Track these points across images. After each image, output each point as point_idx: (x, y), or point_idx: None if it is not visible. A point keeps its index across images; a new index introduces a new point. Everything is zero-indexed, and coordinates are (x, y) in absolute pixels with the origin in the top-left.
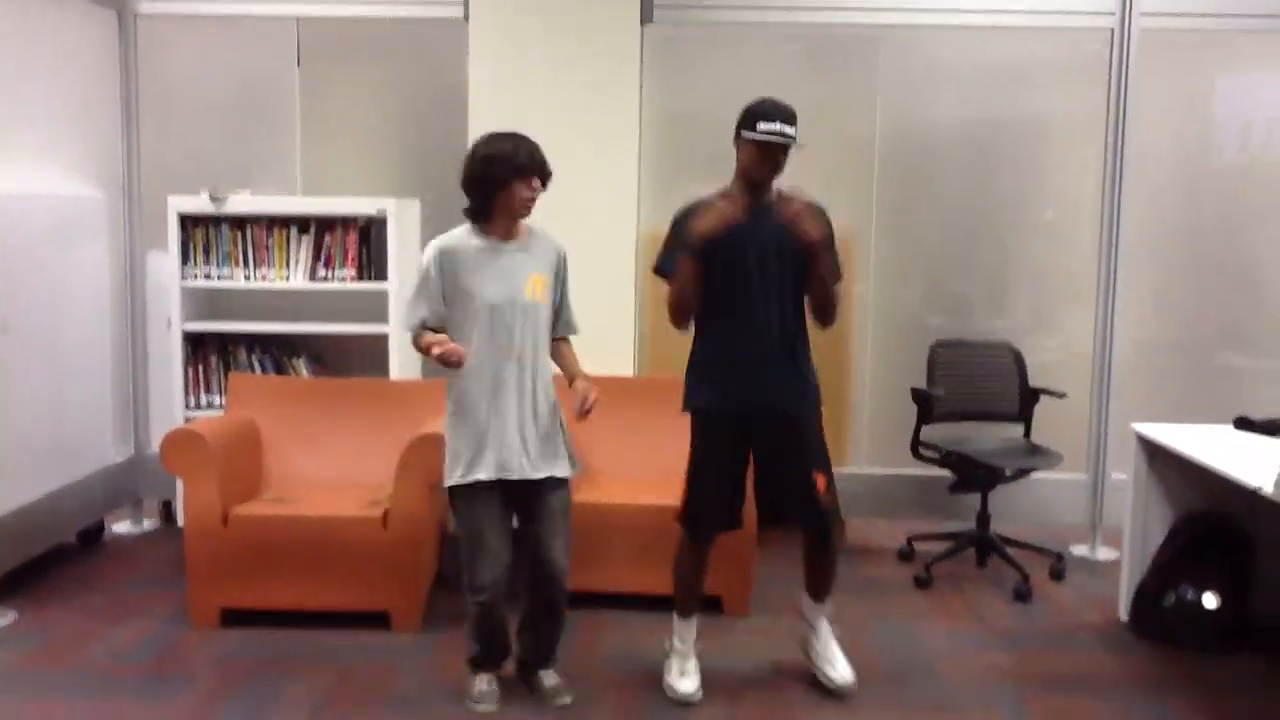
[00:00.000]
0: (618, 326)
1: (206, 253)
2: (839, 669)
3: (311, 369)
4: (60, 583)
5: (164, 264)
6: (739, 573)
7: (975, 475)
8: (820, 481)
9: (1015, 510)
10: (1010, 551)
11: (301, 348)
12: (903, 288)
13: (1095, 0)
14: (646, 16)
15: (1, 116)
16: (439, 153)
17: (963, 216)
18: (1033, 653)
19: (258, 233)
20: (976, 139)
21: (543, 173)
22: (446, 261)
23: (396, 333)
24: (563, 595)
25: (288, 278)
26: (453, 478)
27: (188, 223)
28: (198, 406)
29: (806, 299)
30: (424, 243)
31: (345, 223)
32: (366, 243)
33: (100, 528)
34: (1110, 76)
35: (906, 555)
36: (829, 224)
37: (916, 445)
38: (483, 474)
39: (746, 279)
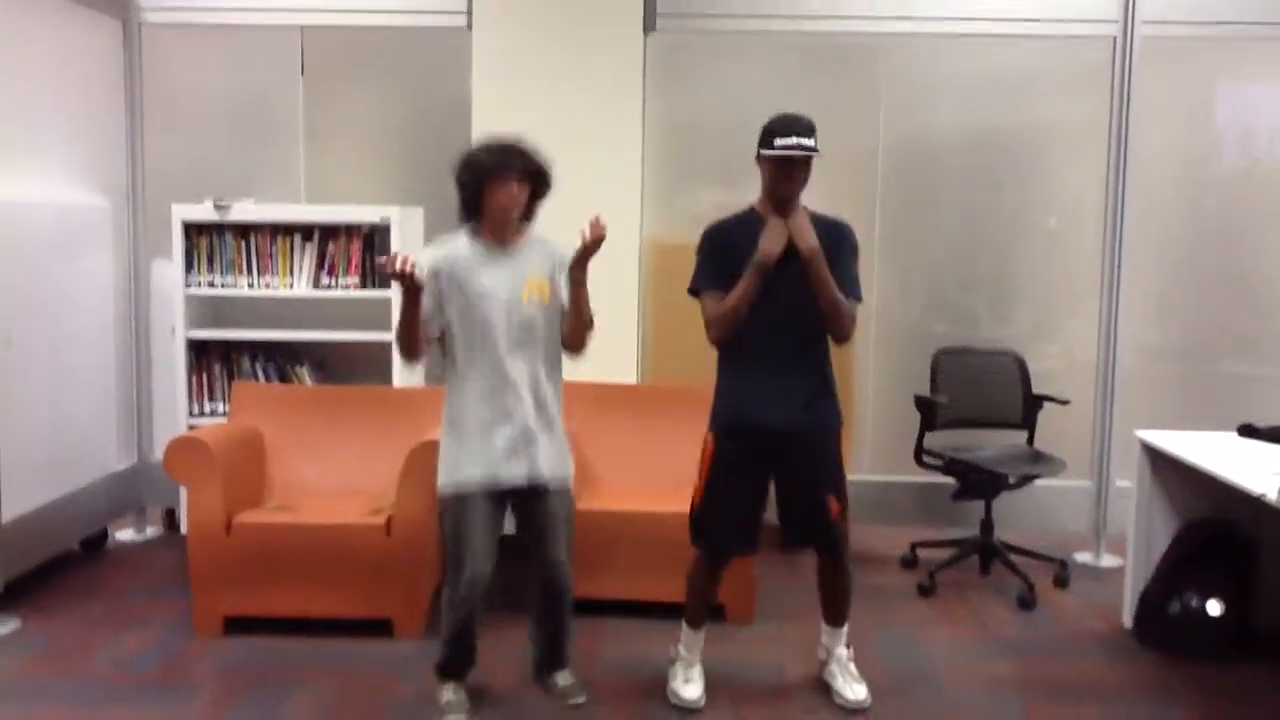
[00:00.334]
0: (621, 334)
1: (210, 261)
2: (853, 689)
3: (315, 377)
4: (64, 590)
5: (168, 272)
6: (743, 581)
7: (979, 482)
8: (834, 506)
9: (1019, 517)
10: (1014, 559)
11: (305, 355)
12: (906, 295)
13: (1097, 8)
14: (649, 26)
15: (6, 125)
16: (442, 161)
17: (966, 224)
18: (1036, 661)
19: (262, 241)
20: (979, 147)
21: (524, 175)
22: (443, 268)
23: None
24: (568, 595)
25: (291, 286)
26: (445, 482)
27: (192, 231)
28: (201, 414)
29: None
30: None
31: (349, 231)
32: (370, 251)
33: (104, 535)
34: (1112, 84)
35: (910, 563)
36: (850, 239)
37: (920, 452)
38: (474, 478)
39: (773, 300)
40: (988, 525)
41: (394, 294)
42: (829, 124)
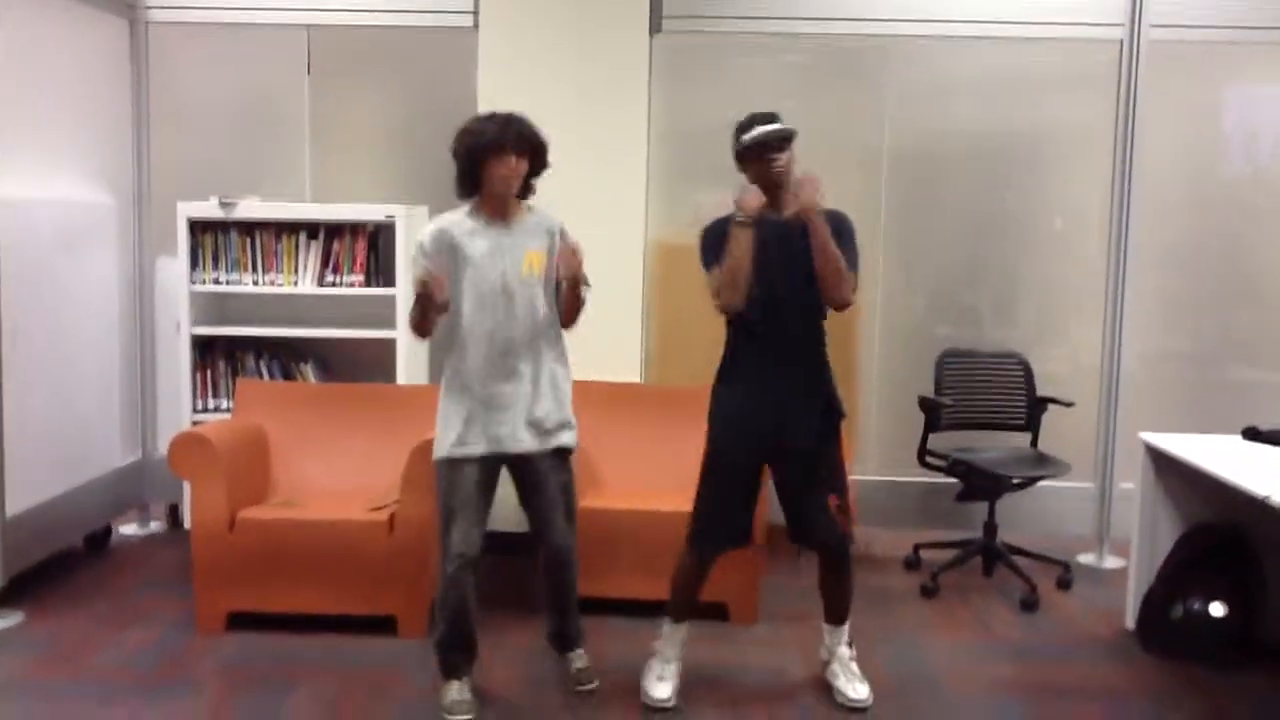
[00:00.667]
0: (626, 334)
1: (215, 258)
2: (855, 688)
3: (319, 374)
4: (67, 586)
5: (173, 269)
6: (746, 581)
7: (982, 484)
8: (833, 501)
9: (1022, 519)
10: (1017, 561)
11: (309, 353)
12: (910, 297)
13: (1104, 12)
14: (655, 27)
15: (13, 123)
16: (447, 161)
17: (971, 226)
18: (1038, 663)
19: (266, 239)
20: (985, 150)
21: (522, 145)
22: (443, 241)
23: (404, 338)
24: (572, 568)
25: (296, 283)
26: (441, 449)
27: (197, 228)
28: (205, 410)
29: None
30: None
31: (354, 229)
32: (375, 249)
33: (107, 531)
34: (1119, 88)
35: (913, 564)
36: (846, 223)
37: (924, 453)
38: (474, 449)
39: (768, 295)
40: (991, 527)
41: (398, 292)
42: (835, 126)
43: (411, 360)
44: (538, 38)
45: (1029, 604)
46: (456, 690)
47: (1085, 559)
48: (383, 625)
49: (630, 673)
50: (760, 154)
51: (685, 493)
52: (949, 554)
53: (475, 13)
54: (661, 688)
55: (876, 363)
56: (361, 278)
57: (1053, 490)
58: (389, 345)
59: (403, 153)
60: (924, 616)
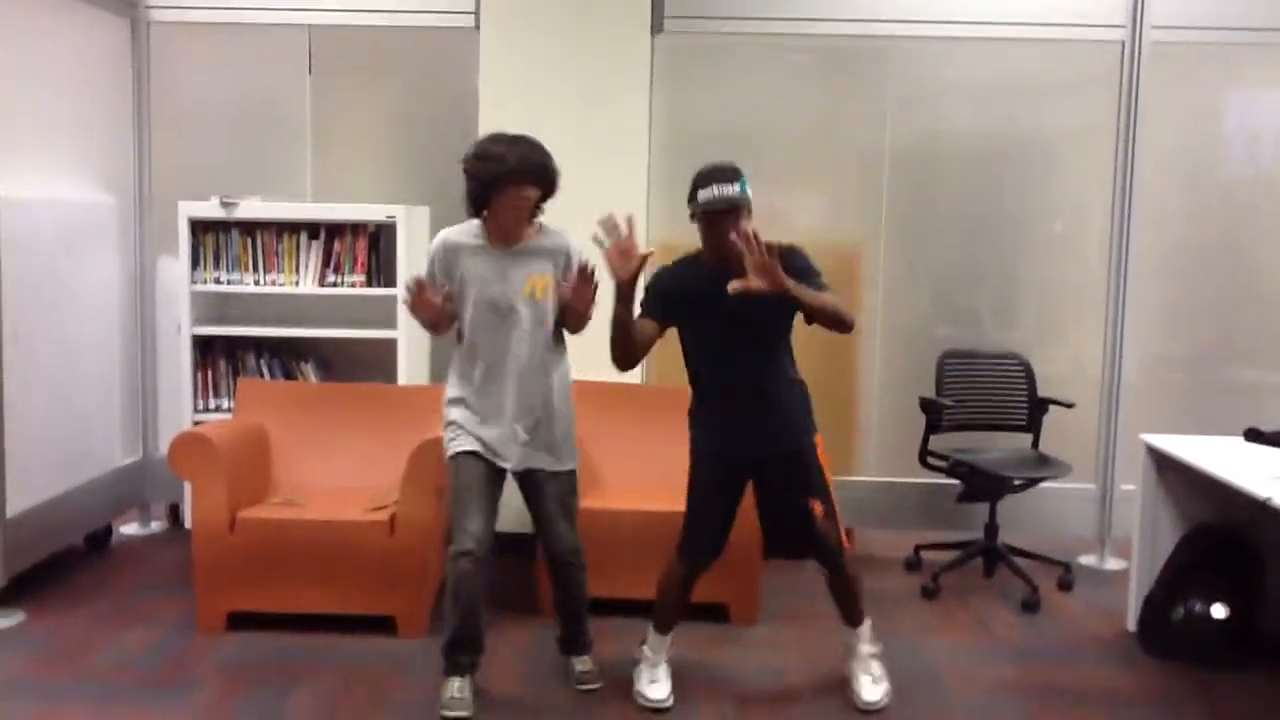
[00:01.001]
0: None
1: (216, 258)
2: (867, 689)
3: (319, 374)
4: (68, 586)
5: (174, 269)
6: (746, 581)
7: (983, 485)
8: (818, 509)
9: (1023, 520)
10: (1018, 562)
11: (310, 353)
12: (911, 299)
13: (1106, 13)
14: (657, 27)
15: (14, 123)
16: (449, 161)
17: (972, 228)
18: (1039, 665)
19: (267, 238)
20: (986, 151)
21: (539, 179)
22: (450, 256)
23: (405, 338)
24: (579, 572)
25: (297, 283)
26: (449, 448)
27: (198, 228)
28: (206, 410)
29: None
30: None
31: (355, 229)
32: (376, 249)
33: (108, 531)
34: (1120, 90)
35: (913, 565)
36: (801, 255)
37: (924, 454)
38: (475, 447)
39: (717, 341)
40: (992, 528)
41: (399, 292)
42: (836, 127)
43: (412, 360)
44: (538, 38)
45: (1030, 605)
46: (456, 688)
47: (1086, 560)
48: (383, 625)
49: (628, 671)
50: (712, 219)
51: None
52: (950, 555)
53: (476, 13)
54: (657, 689)
55: (877, 363)
56: (362, 278)
57: (1054, 491)
58: (390, 345)
59: (404, 153)
60: (925, 618)
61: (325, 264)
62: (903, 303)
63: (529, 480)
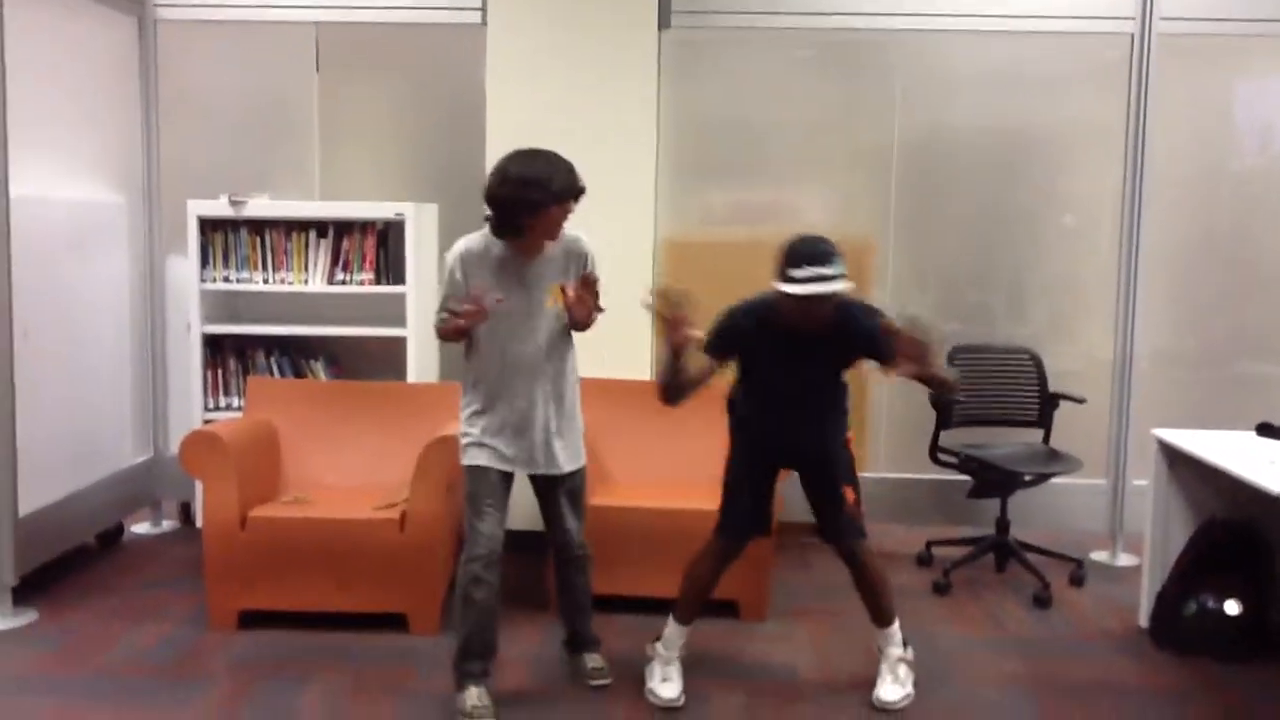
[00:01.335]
0: (634, 331)
1: (225, 256)
2: (885, 689)
3: (329, 372)
4: (79, 584)
5: (183, 267)
6: (757, 577)
7: (994, 480)
8: (850, 494)
9: (1034, 516)
10: (1029, 557)
11: (319, 350)
12: (921, 294)
13: (1115, 5)
14: (664, 22)
15: (23, 122)
16: (457, 157)
17: (981, 221)
18: (1051, 660)
19: (276, 237)
20: (995, 145)
21: (578, 195)
22: (470, 266)
23: (414, 336)
24: (587, 565)
25: (306, 281)
26: (466, 457)
27: (207, 226)
28: (216, 409)
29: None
30: (441, 247)
31: (363, 227)
32: (384, 247)
33: (119, 529)
34: (1130, 82)
35: (925, 561)
36: (874, 316)
37: (935, 450)
38: (483, 461)
39: (780, 383)
40: (1003, 524)
41: (408, 290)
42: (844, 121)
43: (422, 358)
44: (546, 34)
45: (1042, 601)
46: (475, 695)
47: (1098, 555)
48: (394, 622)
49: (640, 669)
50: (800, 300)
51: (693, 489)
52: (961, 551)
53: (483, 9)
54: (668, 688)
55: None
56: (371, 275)
57: (1065, 487)
58: (399, 343)
59: (412, 150)
60: (936, 613)
61: (334, 262)
62: (912, 298)
63: (545, 480)
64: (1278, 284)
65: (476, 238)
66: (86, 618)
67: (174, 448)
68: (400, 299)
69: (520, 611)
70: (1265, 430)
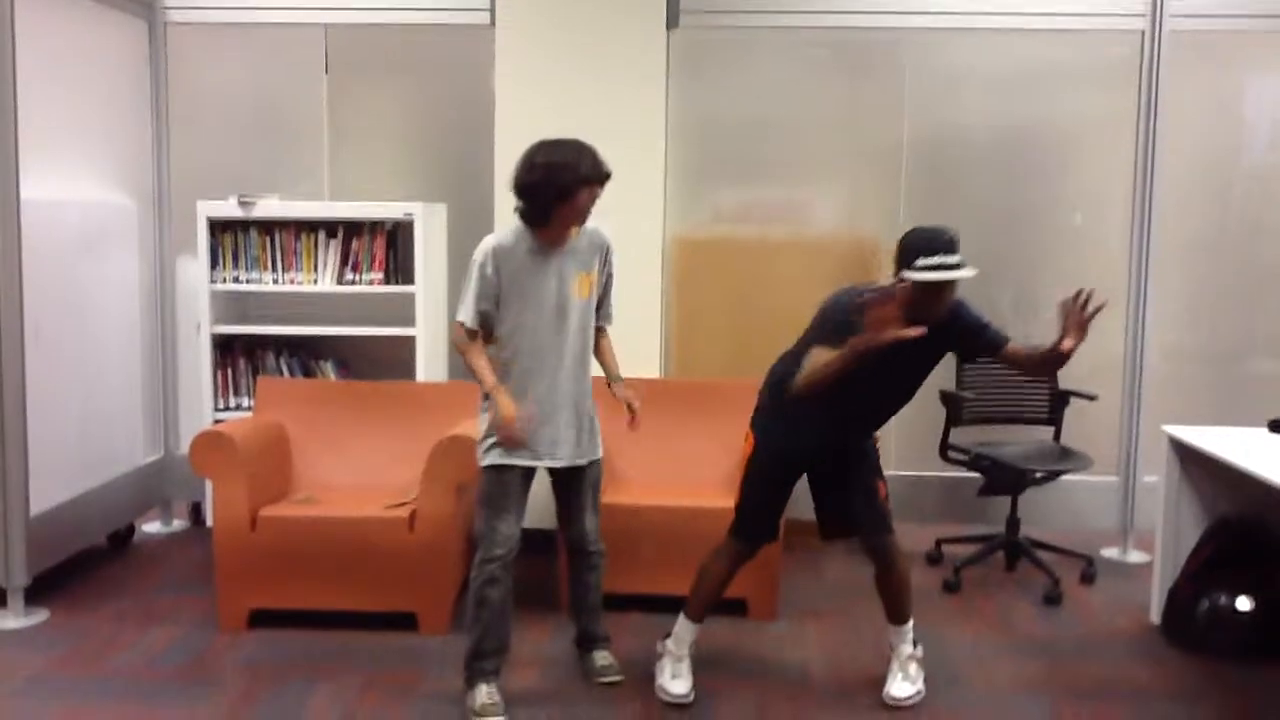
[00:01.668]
0: (645, 329)
1: (235, 257)
2: (897, 685)
3: (338, 372)
4: (91, 584)
5: (193, 269)
6: (766, 576)
7: (1005, 478)
8: (882, 488)
9: (1045, 513)
10: (1040, 555)
11: (329, 351)
12: None
13: (1125, 2)
14: (672, 22)
15: (34, 125)
16: (466, 158)
17: (992, 220)
18: (1062, 659)
19: (286, 237)
20: (1005, 142)
21: (604, 178)
22: (501, 261)
23: (423, 335)
24: (601, 560)
25: (315, 282)
26: (489, 457)
27: (217, 228)
28: (226, 409)
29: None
30: (450, 247)
31: (372, 227)
32: (393, 247)
33: (130, 529)
34: (1140, 79)
35: (935, 559)
36: (971, 310)
37: (945, 448)
38: (520, 459)
39: (875, 380)
40: (1014, 521)
41: (417, 289)
42: (853, 120)
43: (431, 357)
44: (554, 34)
45: (1052, 599)
46: (485, 693)
47: (1109, 553)
48: (404, 622)
49: (652, 667)
50: (932, 288)
51: (704, 488)
52: (971, 549)
53: (491, 10)
54: (678, 684)
55: None
56: (380, 275)
57: (1076, 484)
58: (408, 343)
59: (420, 150)
60: (947, 612)
61: (343, 262)
62: None
63: (569, 472)
64: None
65: (506, 233)
66: (98, 618)
67: (184, 448)
68: (409, 299)
69: (530, 610)
70: (1277, 426)
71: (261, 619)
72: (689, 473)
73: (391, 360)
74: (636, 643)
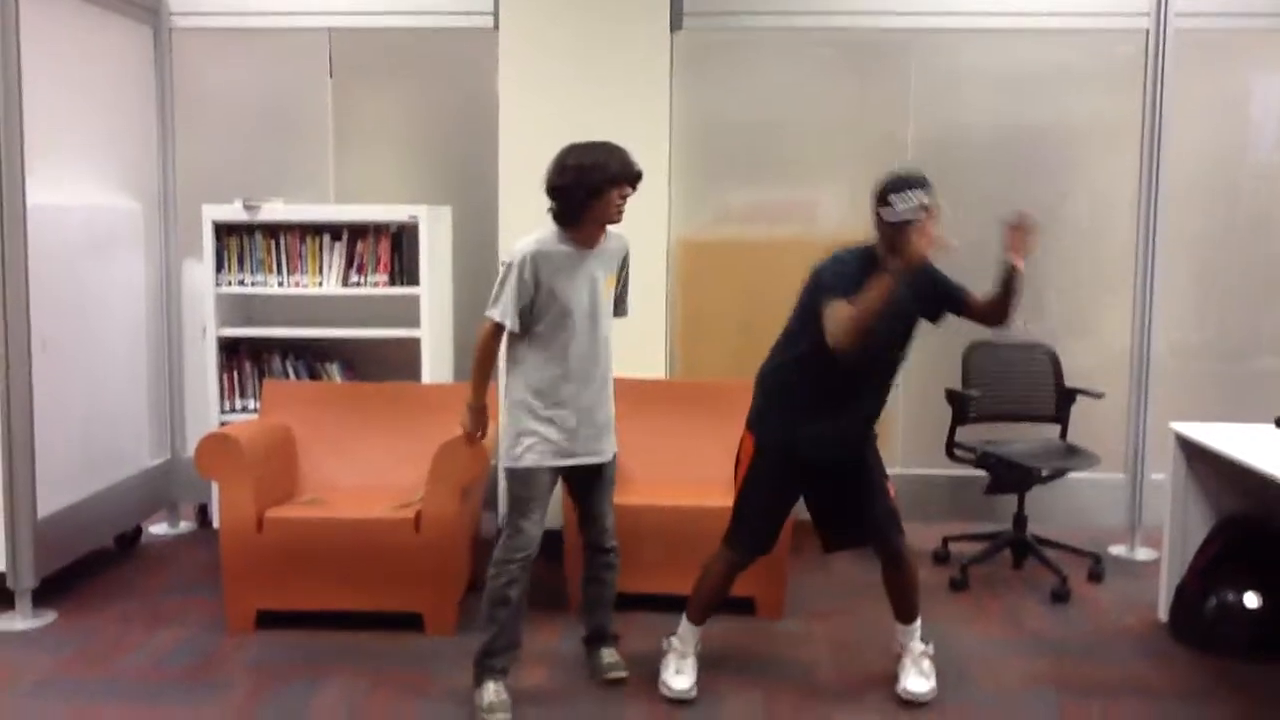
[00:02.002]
0: (649, 331)
1: (241, 260)
2: (912, 680)
3: (344, 374)
4: (98, 586)
5: (199, 272)
6: (773, 575)
7: (1011, 476)
8: (891, 489)
9: (1052, 511)
10: (1047, 553)
11: (334, 353)
12: None
13: (1130, 2)
14: (676, 24)
15: (40, 130)
16: (470, 160)
17: (997, 218)
18: (1070, 657)
19: (291, 240)
20: (1011, 142)
21: (635, 178)
22: (539, 266)
23: (428, 337)
24: (615, 559)
25: (320, 284)
26: (520, 460)
27: (222, 231)
28: (232, 411)
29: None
30: (455, 249)
31: (377, 230)
32: (398, 249)
33: (137, 531)
34: (1145, 78)
35: (942, 557)
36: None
37: (952, 446)
38: (552, 460)
39: (876, 341)
40: (1021, 519)
41: (422, 292)
42: (858, 120)
43: (436, 359)
44: (557, 37)
45: (1060, 596)
46: (493, 691)
47: (1116, 551)
48: (410, 622)
49: (653, 666)
50: (907, 231)
51: (709, 488)
52: (978, 547)
53: (495, 13)
54: (681, 680)
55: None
56: (386, 278)
57: (1083, 482)
58: (414, 345)
59: (425, 153)
60: (954, 610)
61: (348, 265)
62: None
63: (590, 469)
64: None
65: (546, 236)
66: (105, 619)
67: (190, 450)
68: (415, 301)
69: (538, 609)
70: None
71: (268, 620)
72: (694, 473)
73: (397, 362)
74: (642, 642)
